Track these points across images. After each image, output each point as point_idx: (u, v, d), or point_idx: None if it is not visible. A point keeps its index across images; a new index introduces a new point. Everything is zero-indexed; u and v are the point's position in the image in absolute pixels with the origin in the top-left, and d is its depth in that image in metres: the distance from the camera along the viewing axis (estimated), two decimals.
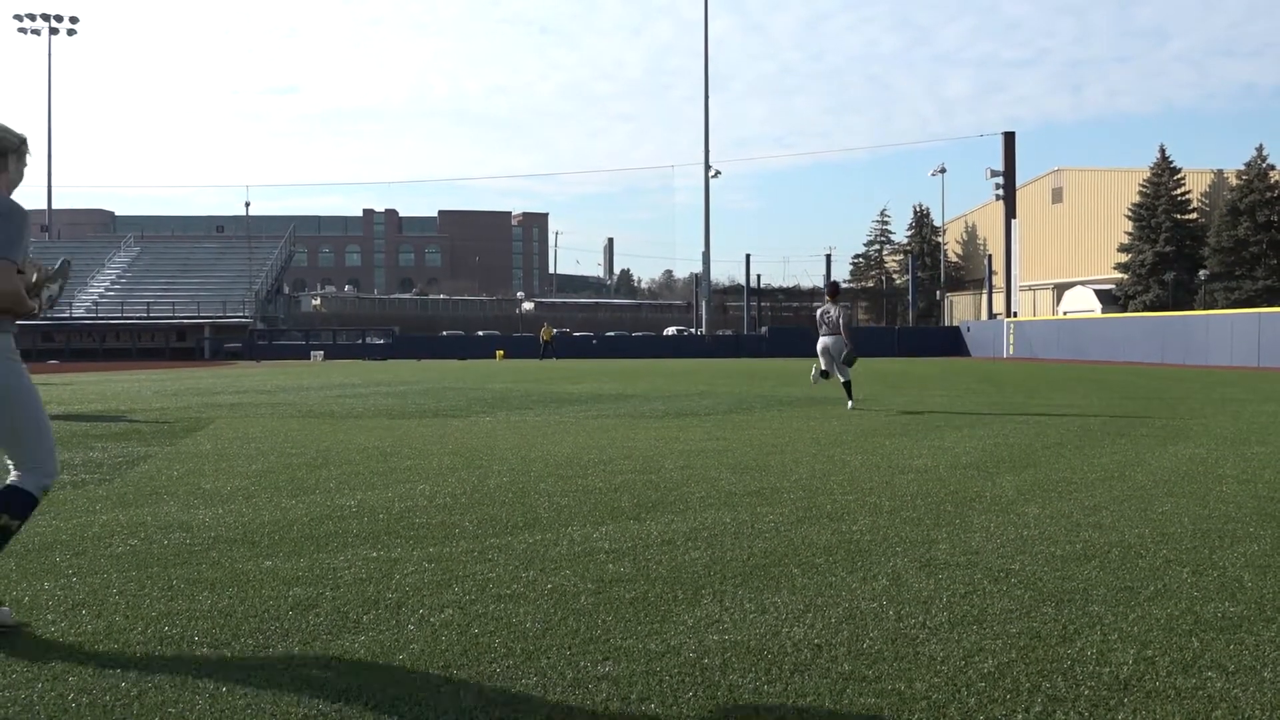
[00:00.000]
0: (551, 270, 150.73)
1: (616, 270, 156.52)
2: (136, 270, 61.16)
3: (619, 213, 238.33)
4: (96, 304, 56.17)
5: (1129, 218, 61.10)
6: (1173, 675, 3.15)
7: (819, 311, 14.28)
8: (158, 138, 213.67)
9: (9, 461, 3.77)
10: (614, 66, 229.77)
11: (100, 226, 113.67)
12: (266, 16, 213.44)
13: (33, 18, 65.07)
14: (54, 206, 71.12)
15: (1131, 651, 3.37)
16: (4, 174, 3.67)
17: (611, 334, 68.16)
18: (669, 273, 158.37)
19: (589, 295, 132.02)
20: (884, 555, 4.79)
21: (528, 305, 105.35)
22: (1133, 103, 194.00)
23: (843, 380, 14.17)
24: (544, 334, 50.33)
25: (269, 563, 4.69)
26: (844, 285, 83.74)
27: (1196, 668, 3.22)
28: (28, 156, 3.81)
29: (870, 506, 6.11)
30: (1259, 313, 33.84)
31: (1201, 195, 61.07)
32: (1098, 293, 61.52)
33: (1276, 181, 54.88)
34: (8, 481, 3.70)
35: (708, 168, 55.26)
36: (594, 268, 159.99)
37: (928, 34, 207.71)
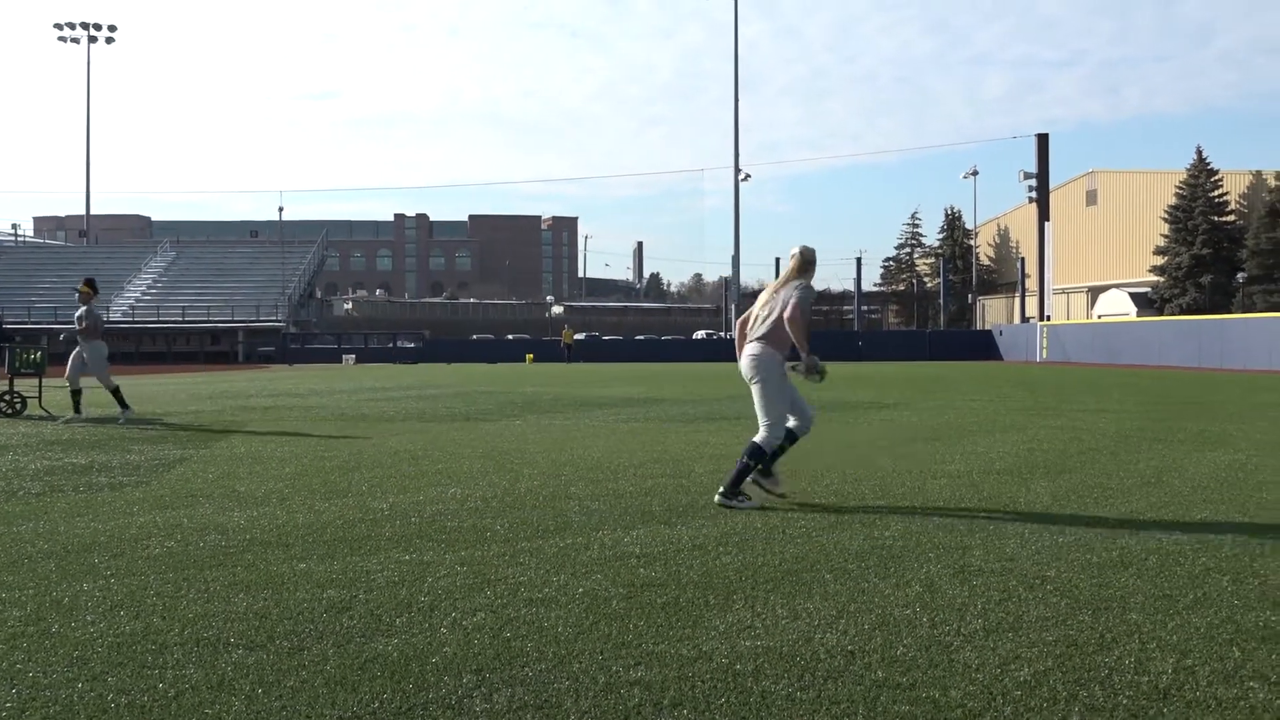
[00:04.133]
0: (581, 274, 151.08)
1: (646, 274, 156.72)
2: (172, 274, 61.91)
3: (649, 216, 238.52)
4: (133, 308, 56.93)
5: (1165, 220, 60.29)
6: (1213, 685, 3.10)
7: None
8: (194, 143, 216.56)
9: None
10: (645, 70, 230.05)
11: (137, 231, 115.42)
12: (301, 23, 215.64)
13: (72, 26, 66.15)
14: (92, 212, 72.19)
15: (1171, 660, 3.32)
16: (809, 275, 6.31)
17: (641, 338, 68.19)
18: (698, 276, 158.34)
19: (618, 299, 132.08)
20: (917, 561, 4.76)
21: (557, 309, 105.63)
22: (1170, 103, 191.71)
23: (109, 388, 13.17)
24: (565, 337, 50.44)
25: (303, 565, 4.73)
26: (875, 288, 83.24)
27: (1238, 678, 3.17)
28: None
29: (902, 512, 6.07)
30: None
31: (1239, 197, 60.12)
32: (1133, 296, 60.72)
33: None
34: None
35: (737, 171, 55.17)
36: (623, 271, 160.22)
37: (962, 35, 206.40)
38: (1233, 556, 4.83)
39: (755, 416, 6.29)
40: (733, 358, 6.83)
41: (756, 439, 6.21)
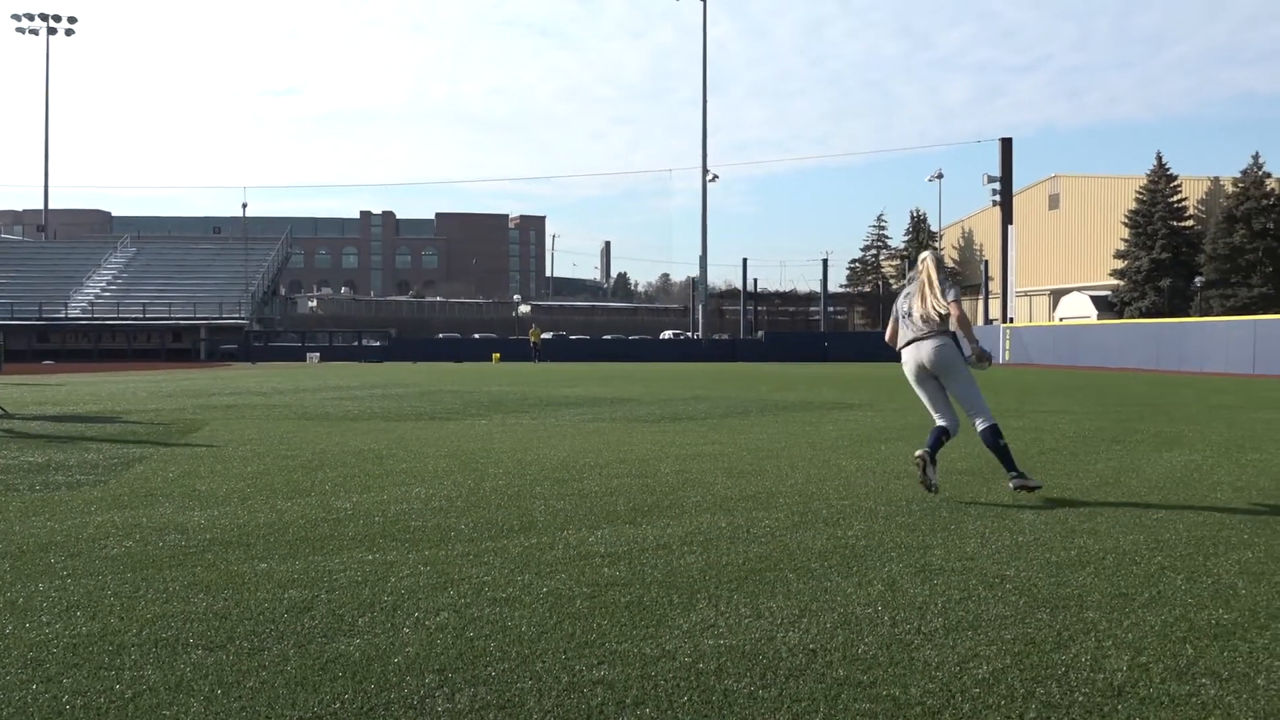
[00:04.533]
0: (548, 273, 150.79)
1: (613, 273, 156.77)
2: (133, 271, 61.05)
3: (616, 216, 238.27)
4: (92, 304, 56.07)
5: (1125, 224, 61.18)
6: (1166, 682, 3.16)
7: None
8: (155, 138, 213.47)
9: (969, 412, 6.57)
10: (614, 70, 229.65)
11: (97, 226, 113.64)
12: (266, 18, 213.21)
13: (31, 17, 64.99)
14: (50, 206, 71.00)
15: (1126, 658, 3.38)
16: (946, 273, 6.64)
17: (608, 337, 68.17)
18: (666, 276, 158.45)
19: (586, 298, 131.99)
20: (879, 560, 4.80)
21: (524, 308, 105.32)
22: (1132, 110, 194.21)
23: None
24: (533, 336, 50.28)
25: (264, 565, 4.68)
26: (841, 289, 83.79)
27: (1190, 675, 3.23)
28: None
29: (865, 511, 6.12)
30: (1254, 320, 33.89)
31: (1198, 202, 61.14)
32: (1094, 299, 61.57)
33: (1272, 189, 54.96)
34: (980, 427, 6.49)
35: (705, 172, 55.31)
36: (591, 271, 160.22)
37: (928, 39, 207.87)
38: (1187, 556, 4.92)
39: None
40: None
41: (987, 426, 6.49)
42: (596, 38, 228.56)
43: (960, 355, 6.55)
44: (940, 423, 6.60)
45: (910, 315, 6.67)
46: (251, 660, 3.34)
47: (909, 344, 6.65)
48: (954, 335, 6.58)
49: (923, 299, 6.58)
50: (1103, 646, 3.50)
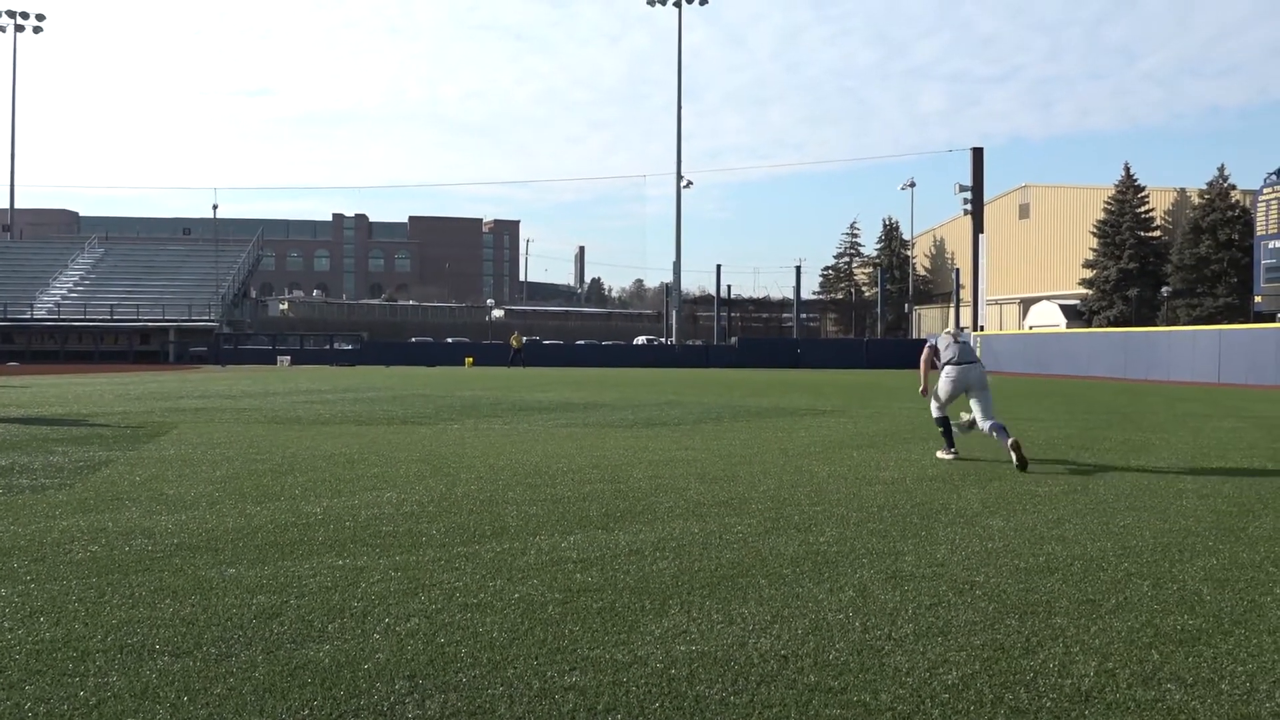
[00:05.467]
0: (522, 278, 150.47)
1: (587, 278, 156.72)
2: (100, 272, 60.29)
3: (591, 221, 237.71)
4: (59, 305, 55.32)
5: (1094, 234, 61.90)
6: (1133, 687, 3.20)
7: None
8: (125, 138, 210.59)
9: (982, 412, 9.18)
10: (591, 74, 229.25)
11: (64, 226, 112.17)
12: (239, 18, 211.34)
13: None
14: (17, 206, 70.04)
15: (1093, 664, 3.41)
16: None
17: (581, 342, 68.12)
18: (640, 282, 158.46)
19: (559, 303, 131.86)
20: (851, 567, 4.82)
21: (498, 312, 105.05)
22: (1102, 121, 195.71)
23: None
24: (514, 341, 50.15)
25: (232, 570, 4.64)
26: (814, 296, 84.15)
27: (1156, 680, 3.27)
28: None
29: (837, 518, 6.15)
30: (1220, 329, 34.38)
31: (1165, 213, 61.98)
32: (1063, 308, 62.24)
33: (1237, 201, 55.81)
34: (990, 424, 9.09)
35: (680, 178, 55.43)
36: (565, 276, 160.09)
37: (903, 48, 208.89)
38: (1153, 562, 4.97)
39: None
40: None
41: (999, 425, 9.11)
42: (573, 42, 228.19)
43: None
44: (941, 415, 9.56)
45: (963, 350, 9.49)
46: (219, 666, 3.30)
47: (965, 364, 9.38)
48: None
49: (962, 338, 9.66)
50: (1070, 652, 3.53)
